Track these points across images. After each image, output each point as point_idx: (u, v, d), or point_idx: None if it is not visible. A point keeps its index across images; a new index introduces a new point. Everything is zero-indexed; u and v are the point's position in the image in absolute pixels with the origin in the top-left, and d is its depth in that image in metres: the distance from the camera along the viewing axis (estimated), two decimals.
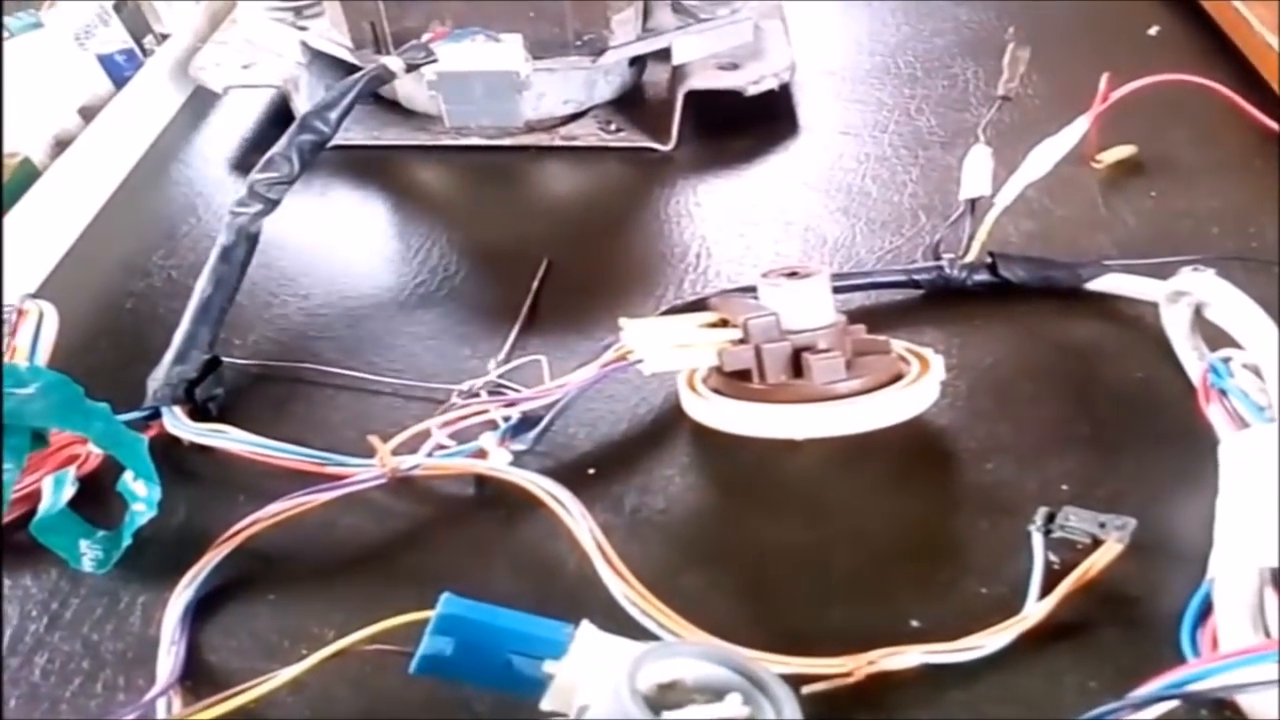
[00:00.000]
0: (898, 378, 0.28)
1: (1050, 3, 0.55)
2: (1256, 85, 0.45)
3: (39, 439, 0.24)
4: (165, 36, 0.47)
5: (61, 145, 0.40)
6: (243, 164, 0.44)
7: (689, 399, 0.29)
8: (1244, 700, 0.21)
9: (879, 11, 0.55)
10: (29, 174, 0.39)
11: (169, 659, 0.24)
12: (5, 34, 0.43)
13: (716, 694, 0.17)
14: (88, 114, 0.42)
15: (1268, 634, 0.22)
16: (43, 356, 0.27)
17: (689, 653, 0.17)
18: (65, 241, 0.38)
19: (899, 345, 0.29)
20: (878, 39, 0.52)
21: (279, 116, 0.46)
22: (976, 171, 0.34)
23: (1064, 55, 0.48)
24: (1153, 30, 0.51)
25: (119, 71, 0.44)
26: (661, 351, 0.27)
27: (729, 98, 0.43)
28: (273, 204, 0.34)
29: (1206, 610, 0.23)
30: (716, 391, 0.28)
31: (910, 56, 0.50)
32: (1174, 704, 0.20)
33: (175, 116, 0.46)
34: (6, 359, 0.26)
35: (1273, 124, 0.38)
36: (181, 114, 0.47)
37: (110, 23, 0.45)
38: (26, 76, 0.41)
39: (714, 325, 0.28)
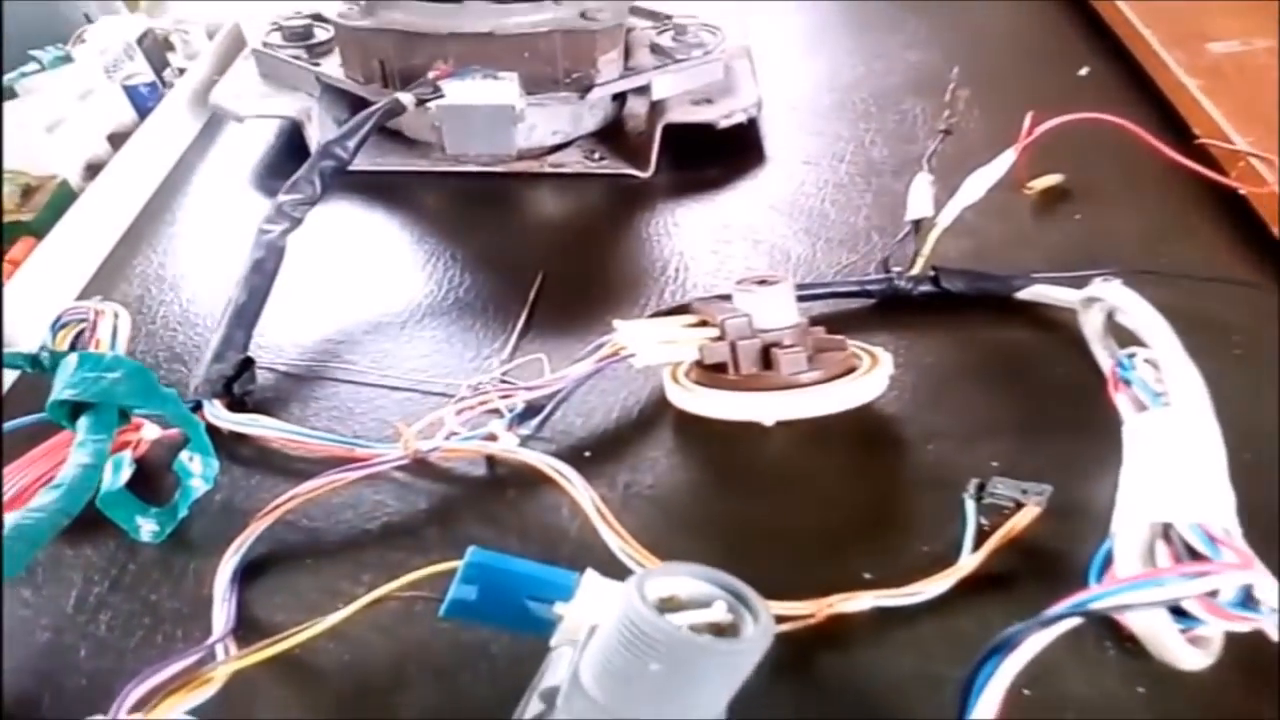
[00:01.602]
0: (852, 370, 0.32)
1: (991, 46, 0.61)
2: (1172, 120, 0.51)
3: (124, 416, 0.28)
4: (182, 71, 0.51)
5: (93, 169, 0.44)
6: (256, 185, 0.48)
7: (673, 390, 0.33)
8: (1136, 626, 0.26)
9: (837, 54, 0.60)
10: (66, 195, 0.42)
11: (223, 612, 0.28)
12: (38, 66, 0.46)
13: (706, 604, 0.21)
14: (115, 141, 0.46)
15: None
16: (121, 348, 0.30)
17: (683, 572, 0.21)
18: (99, 255, 0.42)
19: (854, 344, 0.34)
20: (836, 78, 0.57)
21: (287, 143, 0.50)
22: (920, 196, 0.39)
23: (1002, 94, 0.53)
24: (1083, 71, 0.57)
25: (143, 101, 0.48)
26: (650, 347, 0.31)
27: (702, 130, 0.48)
28: (297, 222, 0.38)
29: (1109, 561, 0.27)
30: (697, 383, 0.32)
31: (865, 94, 0.55)
32: (1077, 620, 0.24)
33: (193, 143, 0.50)
34: (92, 350, 0.29)
35: (1176, 156, 0.43)
36: (197, 141, 0.51)
37: (135, 57, 0.48)
38: (60, 106, 0.45)
39: (695, 325, 0.32)
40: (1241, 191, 0.44)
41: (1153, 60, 0.55)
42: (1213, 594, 0.25)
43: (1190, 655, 0.25)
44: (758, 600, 0.21)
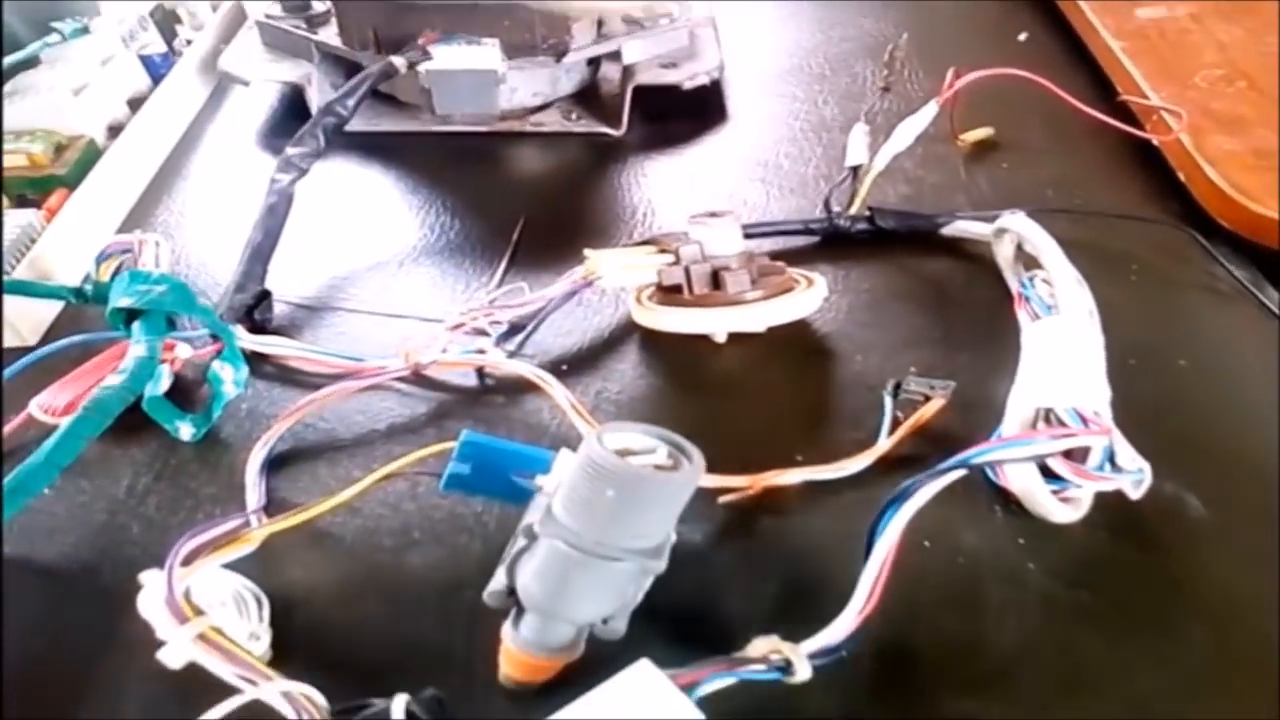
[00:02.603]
0: (791, 290, 0.37)
1: (940, 14, 0.66)
2: (1100, 79, 0.56)
3: (170, 323, 0.32)
4: (189, 42, 0.55)
5: (114, 130, 0.48)
6: (262, 144, 0.53)
7: (637, 310, 0.38)
8: (1015, 487, 0.31)
9: (796, 20, 0.65)
10: (93, 153, 0.46)
11: (255, 492, 0.32)
12: (59, 37, 0.51)
13: (652, 453, 0.26)
14: (134, 105, 0.50)
15: None
16: (165, 267, 0.35)
17: (632, 429, 0.26)
18: (126, 205, 0.46)
19: (794, 271, 0.39)
20: (795, 43, 0.62)
21: (289, 106, 0.54)
22: (857, 145, 0.43)
23: (945, 57, 0.58)
24: (1022, 36, 0.62)
25: (156, 69, 0.52)
26: (615, 271, 0.36)
27: (669, 91, 0.52)
28: (304, 172, 0.42)
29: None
30: (658, 304, 0.37)
31: (820, 58, 0.60)
32: (962, 472, 0.29)
33: (203, 106, 0.55)
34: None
35: (1090, 110, 0.48)
36: (207, 104, 0.55)
37: (148, 28, 0.53)
38: (84, 72, 0.49)
39: (655, 253, 0.37)
40: (1154, 141, 0.49)
41: (1085, 25, 0.60)
42: (1083, 460, 0.30)
43: (1061, 510, 0.31)
44: (692, 447, 0.26)
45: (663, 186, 0.49)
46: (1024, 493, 0.31)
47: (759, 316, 0.36)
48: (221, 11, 0.57)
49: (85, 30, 0.51)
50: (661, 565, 0.26)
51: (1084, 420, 0.31)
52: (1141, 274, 0.42)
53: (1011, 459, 0.29)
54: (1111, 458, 0.31)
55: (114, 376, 0.28)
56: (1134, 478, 0.30)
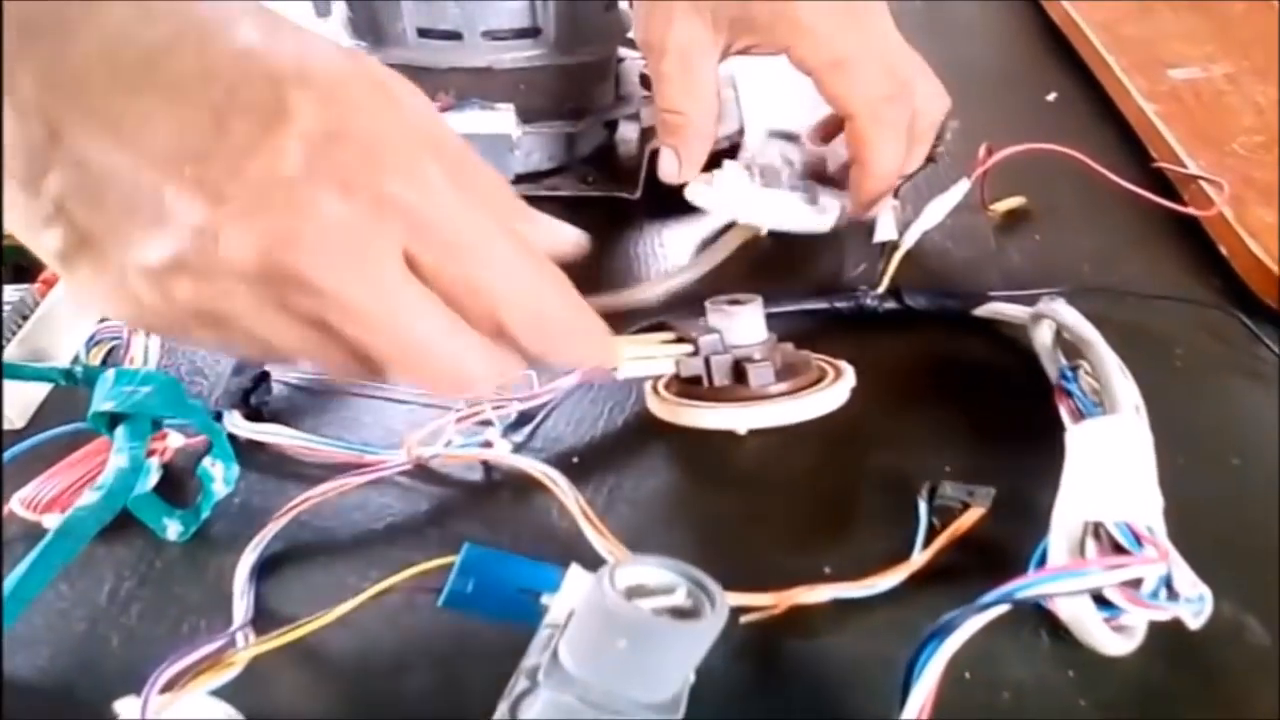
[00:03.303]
0: (818, 382, 0.35)
1: (964, 71, 0.64)
2: (1133, 144, 0.54)
3: (155, 425, 0.30)
4: None
5: None
6: None
7: (654, 402, 0.36)
8: (1064, 613, 0.28)
9: None
10: None
11: (242, 604, 0.30)
12: None
13: (670, 591, 0.23)
14: None
15: None
16: (153, 363, 0.33)
17: (650, 562, 0.24)
18: None
19: (818, 358, 0.37)
20: (820, 105, 0.60)
21: None
22: (885, 220, 0.41)
23: (973, 119, 0.57)
24: (1051, 96, 0.60)
25: None
26: (630, 362, 0.34)
27: None
28: None
29: (1045, 557, 0.30)
30: (676, 395, 0.35)
31: None
32: (1008, 606, 0.26)
33: None
34: (126, 366, 0.32)
35: (1123, 183, 0.46)
36: None
37: None
38: None
39: (672, 341, 0.35)
40: (1194, 214, 0.47)
41: (1116, 86, 0.58)
42: (1135, 586, 0.28)
43: (1114, 641, 0.28)
44: (715, 587, 0.23)
45: (680, 252, 0.47)
46: (1074, 621, 0.28)
47: (784, 413, 0.33)
48: None
49: None
50: (678, 716, 0.23)
51: (1137, 538, 0.29)
52: (1186, 359, 0.40)
53: (1061, 593, 0.27)
54: (1168, 582, 0.28)
55: (90, 493, 0.26)
56: (1194, 607, 0.28)
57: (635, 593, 0.23)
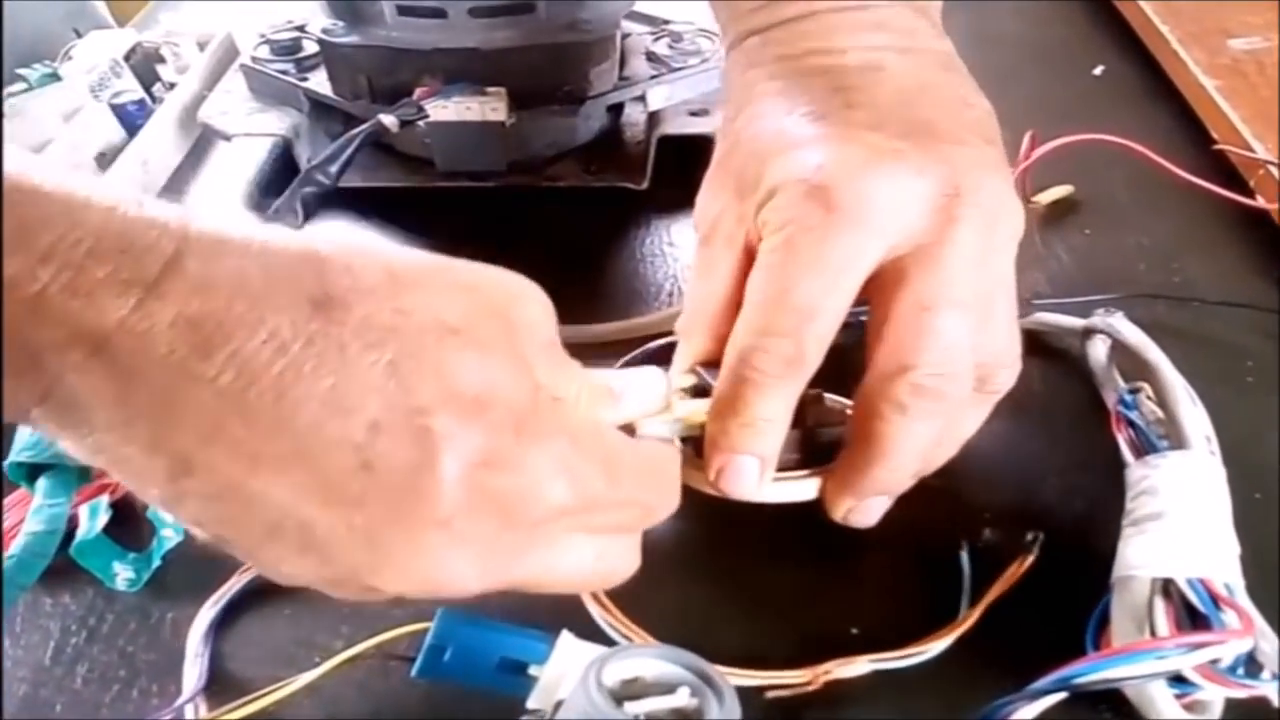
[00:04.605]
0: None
1: (1006, 42, 0.59)
2: (1190, 122, 0.49)
3: (83, 475, 0.27)
4: (172, 85, 0.50)
5: None
6: (249, 204, 0.47)
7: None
8: (1130, 691, 0.25)
9: None
10: None
11: (195, 669, 0.27)
12: (25, 85, 0.46)
13: (670, 689, 0.20)
14: (103, 162, 0.45)
15: (1154, 636, 0.25)
16: None
17: (647, 653, 0.20)
18: None
19: (831, 398, 0.30)
20: None
21: (281, 159, 0.49)
22: None
23: (1013, 95, 0.52)
24: (1098, 70, 0.55)
25: (131, 120, 0.47)
26: (654, 424, 0.28)
27: (699, 142, 0.46)
28: None
29: (1105, 619, 0.26)
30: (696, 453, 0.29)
31: None
32: (1063, 695, 0.23)
33: (183, 160, 0.50)
34: None
35: (1182, 173, 0.41)
36: (189, 158, 0.50)
37: (122, 74, 0.48)
38: (46, 127, 0.44)
39: (695, 391, 0.29)
40: (1264, 205, 0.42)
41: (1171, 58, 0.53)
42: (1212, 660, 0.24)
43: None
44: (724, 684, 0.20)
45: (691, 248, 0.43)
46: (1143, 703, 0.24)
47: (807, 489, 0.28)
48: (209, 51, 0.52)
49: (55, 77, 0.47)
50: None
51: (1214, 598, 0.25)
52: (1260, 373, 0.36)
53: (1129, 678, 0.23)
54: (1250, 653, 0.24)
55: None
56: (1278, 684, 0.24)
57: (629, 690, 0.20)
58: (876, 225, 0.26)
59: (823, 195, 0.26)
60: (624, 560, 0.24)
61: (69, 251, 0.18)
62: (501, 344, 0.21)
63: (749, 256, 0.28)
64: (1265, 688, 0.24)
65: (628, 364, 0.35)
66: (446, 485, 0.19)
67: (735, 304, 0.28)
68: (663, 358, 0.34)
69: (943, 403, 0.26)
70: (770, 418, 0.26)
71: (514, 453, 0.20)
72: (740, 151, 0.29)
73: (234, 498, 0.19)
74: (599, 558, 0.23)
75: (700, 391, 0.29)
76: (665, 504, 0.25)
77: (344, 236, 0.22)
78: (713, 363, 0.29)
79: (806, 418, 0.28)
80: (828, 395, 0.30)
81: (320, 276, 0.20)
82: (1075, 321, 0.35)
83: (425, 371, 0.20)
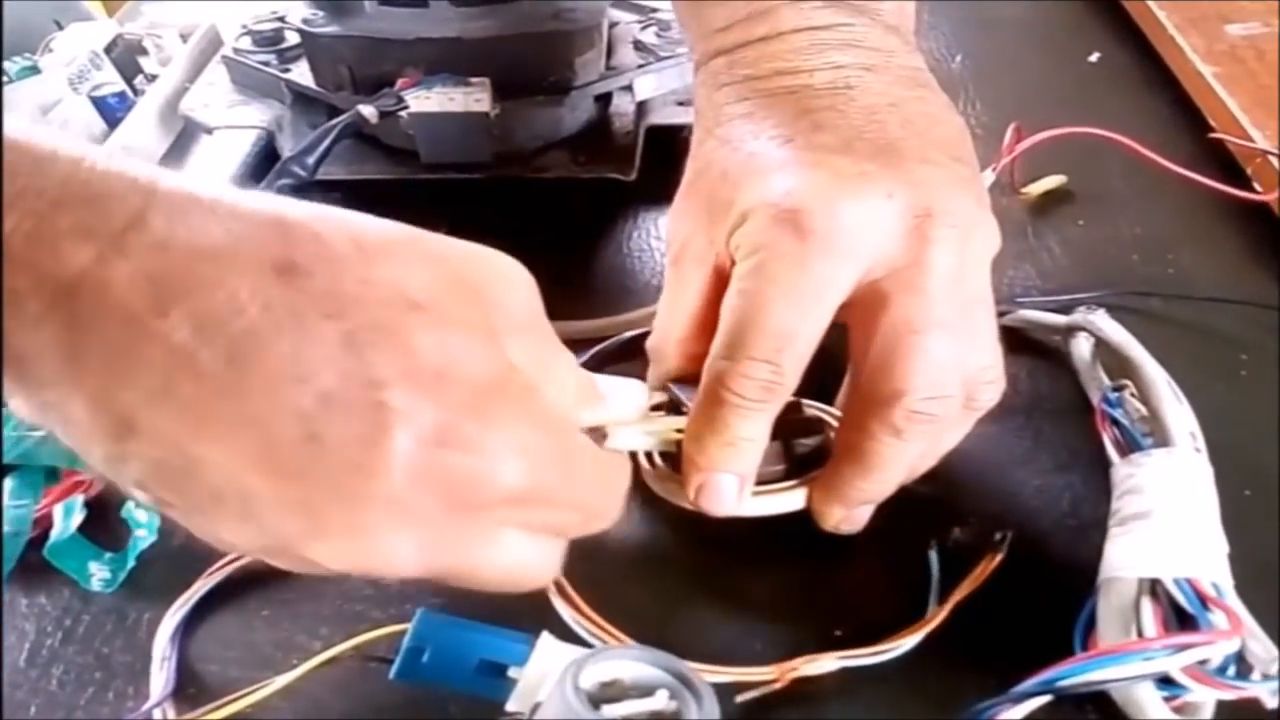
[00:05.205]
0: (823, 457, 0.28)
1: (1000, 30, 0.58)
2: (1187, 109, 0.49)
3: (51, 475, 0.27)
4: (154, 77, 0.49)
5: None
6: None
7: (647, 473, 0.30)
8: (1117, 693, 0.24)
9: None
10: None
11: (161, 674, 0.27)
12: (5, 79, 0.45)
13: (649, 691, 0.20)
14: None
15: (1141, 637, 0.25)
16: None
17: (625, 655, 0.20)
18: None
19: (808, 404, 0.30)
20: None
21: (264, 150, 0.48)
22: None
23: (1004, 83, 0.51)
24: (1093, 57, 0.54)
25: (112, 112, 0.46)
26: (630, 436, 0.28)
27: (688, 130, 0.46)
28: None
29: (1093, 621, 0.26)
30: (670, 471, 0.29)
31: None
32: (1048, 697, 0.23)
33: (166, 153, 0.49)
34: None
35: (1174, 167, 0.41)
36: (171, 151, 0.49)
37: (103, 66, 0.47)
38: (27, 120, 0.43)
39: (668, 406, 0.29)
40: (1262, 197, 0.42)
41: (1168, 44, 0.52)
42: (1201, 661, 0.24)
43: None
44: (702, 685, 0.20)
45: None
46: (1130, 705, 0.24)
47: (791, 500, 0.28)
48: (192, 42, 0.51)
49: (34, 69, 0.46)
50: None
51: (1203, 599, 0.25)
52: (1253, 367, 0.35)
53: (1117, 679, 0.23)
54: (1241, 654, 0.24)
55: None
56: (1270, 685, 0.24)
57: (608, 692, 0.19)
58: (849, 250, 0.26)
59: (794, 221, 0.26)
60: (549, 565, 0.24)
61: (33, 200, 0.17)
62: (468, 319, 0.21)
63: (720, 278, 0.28)
64: (1256, 689, 0.24)
65: (593, 359, 0.35)
66: (396, 462, 0.19)
67: (705, 324, 0.28)
68: (626, 355, 0.34)
69: (935, 424, 0.26)
70: (749, 437, 0.26)
71: (469, 431, 0.20)
72: (710, 175, 0.29)
73: (177, 461, 0.19)
74: (529, 557, 0.23)
75: (673, 406, 0.29)
76: (607, 515, 0.24)
77: (316, 206, 0.21)
78: (684, 380, 0.29)
79: (784, 428, 0.27)
80: (805, 401, 0.30)
81: (286, 242, 0.19)
82: (1058, 319, 0.35)
83: (384, 344, 0.19)
